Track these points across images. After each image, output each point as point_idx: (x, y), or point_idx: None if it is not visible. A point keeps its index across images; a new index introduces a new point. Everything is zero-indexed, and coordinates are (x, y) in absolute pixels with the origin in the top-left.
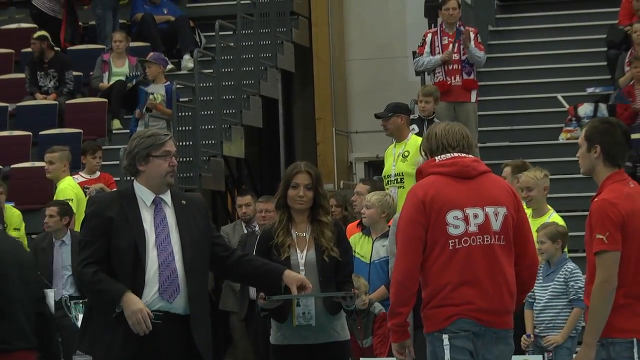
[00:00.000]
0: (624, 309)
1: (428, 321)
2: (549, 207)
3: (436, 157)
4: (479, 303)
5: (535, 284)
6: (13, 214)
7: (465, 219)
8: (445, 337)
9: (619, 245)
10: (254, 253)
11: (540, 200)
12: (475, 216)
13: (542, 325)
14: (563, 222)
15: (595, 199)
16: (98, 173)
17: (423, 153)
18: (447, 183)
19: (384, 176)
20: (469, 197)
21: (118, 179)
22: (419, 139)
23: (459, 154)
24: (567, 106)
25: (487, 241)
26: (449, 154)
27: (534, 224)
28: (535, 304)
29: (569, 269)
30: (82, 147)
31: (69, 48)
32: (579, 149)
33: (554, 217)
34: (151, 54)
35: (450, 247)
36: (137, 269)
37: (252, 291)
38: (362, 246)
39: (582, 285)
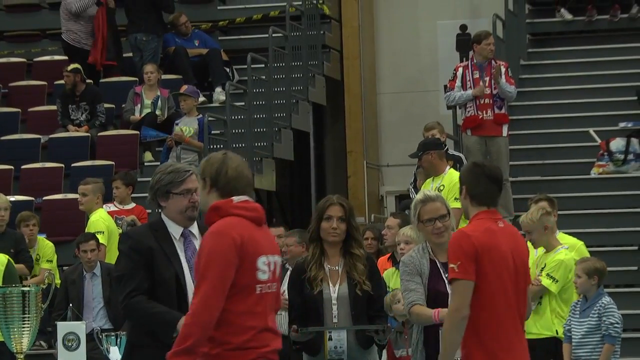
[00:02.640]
0: (478, 347)
1: None
2: (557, 239)
3: (233, 198)
4: (272, 345)
5: (572, 319)
6: (46, 245)
7: (268, 265)
8: None
9: (470, 275)
10: (286, 286)
11: (543, 240)
12: (270, 264)
13: None
14: (574, 240)
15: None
16: (132, 204)
17: (202, 178)
18: (251, 227)
19: None
20: (266, 244)
21: (150, 211)
22: (456, 174)
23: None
24: (599, 141)
25: (273, 289)
26: (242, 197)
27: (544, 259)
28: (573, 339)
29: (603, 304)
30: (116, 176)
31: (101, 80)
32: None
33: (561, 251)
34: (185, 86)
35: (257, 292)
36: (181, 298)
37: (285, 326)
38: (396, 281)
39: (613, 321)
